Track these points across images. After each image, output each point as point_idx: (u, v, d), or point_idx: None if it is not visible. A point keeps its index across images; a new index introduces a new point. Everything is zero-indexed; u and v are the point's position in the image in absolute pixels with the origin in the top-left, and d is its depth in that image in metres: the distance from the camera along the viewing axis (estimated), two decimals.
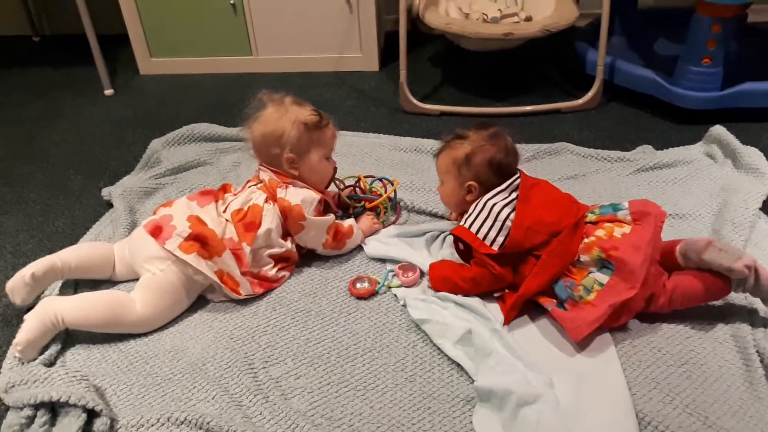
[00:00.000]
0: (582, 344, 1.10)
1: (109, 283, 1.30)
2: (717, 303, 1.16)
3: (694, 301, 1.12)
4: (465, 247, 1.25)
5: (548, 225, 1.16)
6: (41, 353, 1.13)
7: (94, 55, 2.24)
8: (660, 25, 2.27)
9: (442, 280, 1.24)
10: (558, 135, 1.84)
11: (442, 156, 1.31)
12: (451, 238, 1.36)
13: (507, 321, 1.15)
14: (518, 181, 1.23)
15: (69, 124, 2.13)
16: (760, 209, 1.42)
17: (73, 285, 1.30)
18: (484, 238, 1.17)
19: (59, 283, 1.28)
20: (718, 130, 1.69)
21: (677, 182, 1.56)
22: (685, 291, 1.11)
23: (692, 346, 1.09)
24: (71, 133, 2.07)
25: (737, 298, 1.16)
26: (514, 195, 1.21)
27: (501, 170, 1.24)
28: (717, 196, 1.48)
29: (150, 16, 2.36)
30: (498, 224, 1.17)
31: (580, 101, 2.00)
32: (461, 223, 1.22)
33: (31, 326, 1.11)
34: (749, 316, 1.13)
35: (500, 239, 1.16)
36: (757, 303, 1.15)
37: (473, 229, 1.18)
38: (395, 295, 1.25)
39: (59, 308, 1.13)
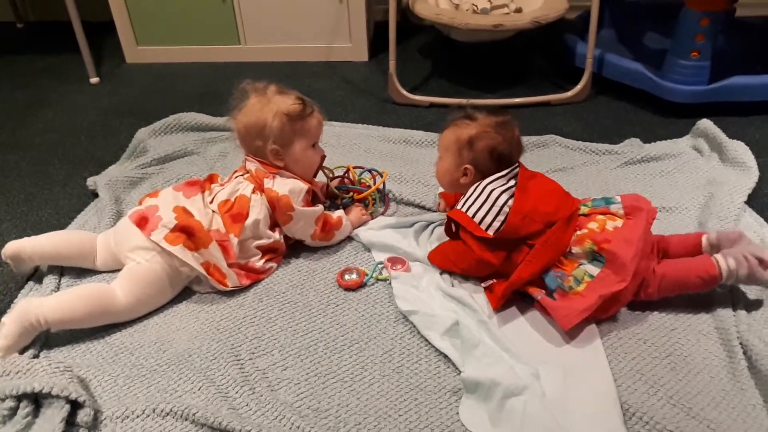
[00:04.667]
0: (568, 336, 1.10)
1: (93, 272, 1.29)
2: (701, 296, 1.16)
3: (683, 288, 1.12)
4: (456, 229, 1.25)
5: (544, 214, 1.16)
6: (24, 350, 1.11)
7: (79, 42, 2.21)
8: (649, 18, 2.28)
9: (435, 253, 1.27)
10: (547, 127, 1.84)
11: (447, 132, 1.29)
12: (440, 229, 1.36)
13: (496, 308, 1.16)
14: (518, 170, 1.23)
15: (54, 113, 2.10)
16: (746, 203, 1.43)
17: (59, 271, 1.29)
18: (480, 222, 1.17)
19: (45, 266, 1.28)
20: (705, 123, 1.70)
21: (664, 175, 1.57)
22: (674, 278, 1.12)
23: (677, 338, 1.10)
24: (56, 121, 2.04)
25: (721, 292, 1.18)
26: (512, 182, 1.21)
27: (501, 160, 1.23)
28: (703, 189, 1.50)
29: (136, 3, 2.33)
30: (495, 209, 1.17)
31: (569, 94, 2.00)
32: (458, 206, 1.22)
33: (9, 331, 1.08)
34: (733, 309, 1.14)
35: (496, 224, 1.16)
36: (740, 295, 1.16)
37: (470, 213, 1.18)
38: (389, 282, 1.24)
39: (39, 310, 1.09)
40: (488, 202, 1.18)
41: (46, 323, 1.10)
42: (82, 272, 1.29)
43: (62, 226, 1.49)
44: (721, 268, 1.10)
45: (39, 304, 1.11)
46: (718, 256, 1.12)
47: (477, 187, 1.21)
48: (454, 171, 1.27)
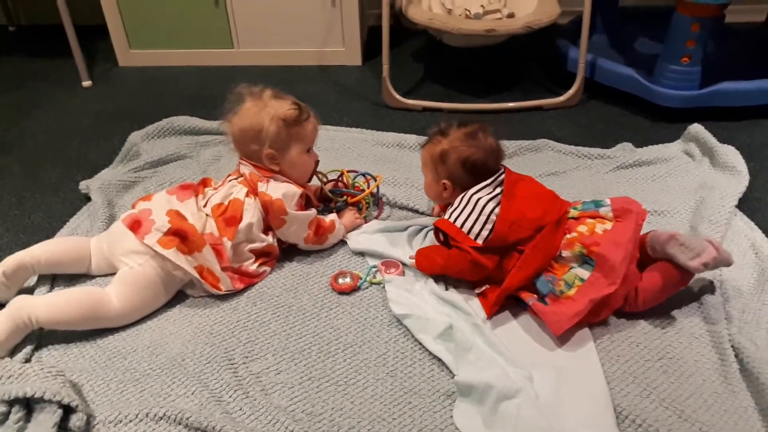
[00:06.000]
0: (561, 339, 1.11)
1: (86, 277, 1.29)
2: (693, 299, 1.18)
3: (664, 295, 1.14)
4: (445, 238, 1.25)
5: (532, 220, 1.16)
6: (15, 350, 1.11)
7: (71, 45, 2.20)
8: (641, 23, 2.30)
9: (422, 256, 1.26)
10: (539, 132, 1.85)
11: (424, 150, 1.32)
12: (432, 233, 1.37)
13: (489, 315, 1.16)
14: (503, 176, 1.23)
15: (46, 116, 2.09)
16: (736, 206, 1.44)
17: (51, 279, 1.27)
18: (469, 231, 1.17)
19: (35, 278, 1.26)
20: (696, 128, 1.71)
21: (656, 179, 1.58)
22: (654, 288, 1.13)
23: (669, 341, 1.11)
24: (48, 124, 2.03)
25: (713, 295, 1.19)
26: (498, 190, 1.21)
27: (476, 170, 1.23)
28: (695, 193, 1.51)
29: (129, 6, 2.33)
30: (483, 218, 1.17)
31: (562, 98, 2.01)
32: (445, 216, 1.22)
33: (1, 327, 1.08)
34: (725, 312, 1.15)
35: (484, 233, 1.17)
36: (731, 298, 1.17)
37: (458, 223, 1.19)
38: (383, 286, 1.24)
39: (32, 309, 1.10)
40: (475, 211, 1.18)
41: (37, 323, 1.10)
42: (72, 279, 1.28)
43: (54, 229, 1.48)
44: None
45: (32, 303, 1.12)
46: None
47: (463, 197, 1.22)
48: (436, 186, 1.29)
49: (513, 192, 1.20)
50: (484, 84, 2.21)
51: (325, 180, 1.48)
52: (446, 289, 1.23)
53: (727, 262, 1.14)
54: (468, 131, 1.26)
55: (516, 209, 1.17)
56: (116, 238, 1.23)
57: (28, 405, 0.97)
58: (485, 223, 1.17)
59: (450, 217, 1.21)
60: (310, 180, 1.41)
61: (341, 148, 1.77)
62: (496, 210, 1.18)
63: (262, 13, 2.32)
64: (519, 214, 1.17)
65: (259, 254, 1.29)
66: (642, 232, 1.16)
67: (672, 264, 1.13)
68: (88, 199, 1.58)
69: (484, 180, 1.23)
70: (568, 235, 1.15)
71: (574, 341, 1.11)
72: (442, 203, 1.33)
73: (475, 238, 1.17)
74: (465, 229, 1.18)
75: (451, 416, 0.99)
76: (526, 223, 1.16)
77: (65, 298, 1.15)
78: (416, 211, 1.49)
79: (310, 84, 2.26)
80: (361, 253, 1.35)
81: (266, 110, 1.28)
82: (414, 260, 1.27)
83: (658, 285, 1.13)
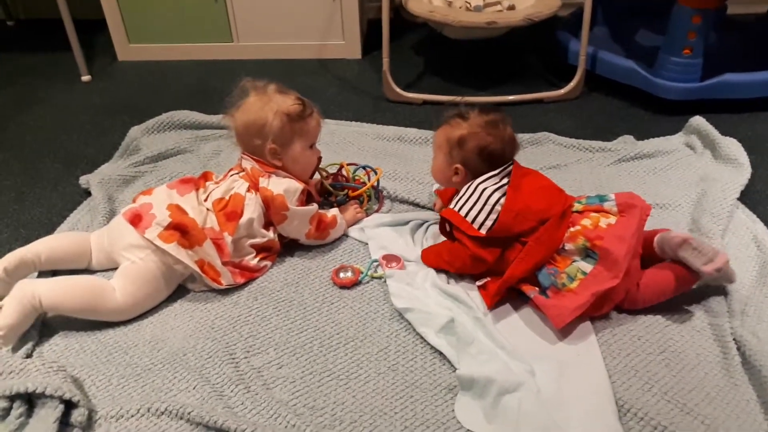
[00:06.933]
0: (563, 333, 1.11)
1: (86, 273, 1.28)
2: (695, 293, 1.17)
3: (665, 296, 1.14)
4: (450, 228, 1.25)
5: (537, 212, 1.16)
6: (16, 346, 1.11)
7: (70, 40, 2.20)
8: (642, 15, 2.29)
9: (429, 251, 1.27)
10: (540, 124, 1.85)
11: (439, 131, 1.30)
12: (434, 227, 1.37)
13: (490, 306, 1.16)
14: (511, 167, 1.23)
15: (45, 111, 2.08)
16: (738, 199, 1.43)
17: (50, 275, 1.26)
18: (473, 221, 1.17)
19: (35, 275, 1.26)
20: (698, 120, 1.70)
21: (657, 172, 1.58)
22: (656, 287, 1.13)
23: (671, 335, 1.11)
24: (47, 119, 2.03)
25: (714, 288, 1.18)
26: (505, 180, 1.21)
27: (491, 159, 1.23)
28: (696, 186, 1.50)
29: (128, 0, 2.31)
30: (488, 208, 1.17)
31: (562, 91, 2.01)
32: (451, 205, 1.22)
33: (10, 311, 1.08)
34: (727, 305, 1.15)
35: (488, 223, 1.17)
36: (733, 292, 1.17)
37: (462, 212, 1.19)
38: (384, 280, 1.24)
39: (37, 290, 1.11)
40: (480, 200, 1.18)
41: (41, 303, 1.10)
42: (73, 274, 1.27)
43: (54, 225, 1.48)
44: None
45: (36, 283, 1.13)
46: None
47: (469, 186, 1.21)
48: (446, 170, 1.28)
49: (519, 184, 1.20)
50: (485, 77, 2.20)
51: (325, 174, 1.47)
52: (447, 283, 1.23)
53: (730, 279, 1.15)
54: (489, 119, 1.25)
55: (521, 200, 1.17)
56: (117, 233, 1.23)
57: (30, 400, 0.97)
58: (490, 212, 1.17)
59: (455, 206, 1.21)
60: (312, 176, 1.41)
61: (341, 142, 1.76)
62: (502, 200, 1.17)
63: (262, 7, 2.31)
64: (524, 205, 1.17)
65: (260, 249, 1.29)
66: (645, 227, 1.16)
67: (683, 266, 1.12)
68: (88, 194, 1.57)
69: (495, 168, 1.22)
70: (571, 228, 1.15)
71: (576, 335, 1.11)
72: (449, 188, 1.32)
73: (479, 227, 1.17)
74: (469, 218, 1.18)
75: (453, 410, 0.99)
76: (531, 214, 1.16)
77: (70, 284, 1.15)
78: (417, 205, 1.48)
79: (310, 78, 2.26)
80: (364, 246, 1.35)
81: (270, 105, 1.28)
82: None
83: (669, 285, 1.12)
